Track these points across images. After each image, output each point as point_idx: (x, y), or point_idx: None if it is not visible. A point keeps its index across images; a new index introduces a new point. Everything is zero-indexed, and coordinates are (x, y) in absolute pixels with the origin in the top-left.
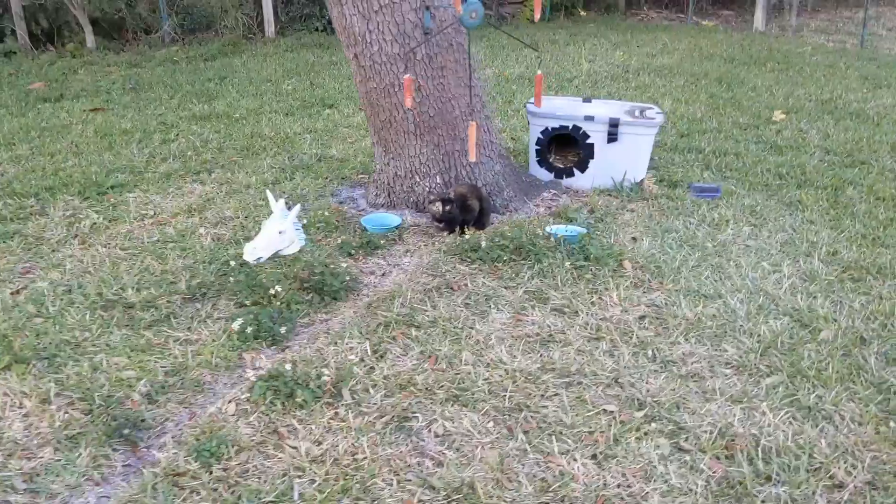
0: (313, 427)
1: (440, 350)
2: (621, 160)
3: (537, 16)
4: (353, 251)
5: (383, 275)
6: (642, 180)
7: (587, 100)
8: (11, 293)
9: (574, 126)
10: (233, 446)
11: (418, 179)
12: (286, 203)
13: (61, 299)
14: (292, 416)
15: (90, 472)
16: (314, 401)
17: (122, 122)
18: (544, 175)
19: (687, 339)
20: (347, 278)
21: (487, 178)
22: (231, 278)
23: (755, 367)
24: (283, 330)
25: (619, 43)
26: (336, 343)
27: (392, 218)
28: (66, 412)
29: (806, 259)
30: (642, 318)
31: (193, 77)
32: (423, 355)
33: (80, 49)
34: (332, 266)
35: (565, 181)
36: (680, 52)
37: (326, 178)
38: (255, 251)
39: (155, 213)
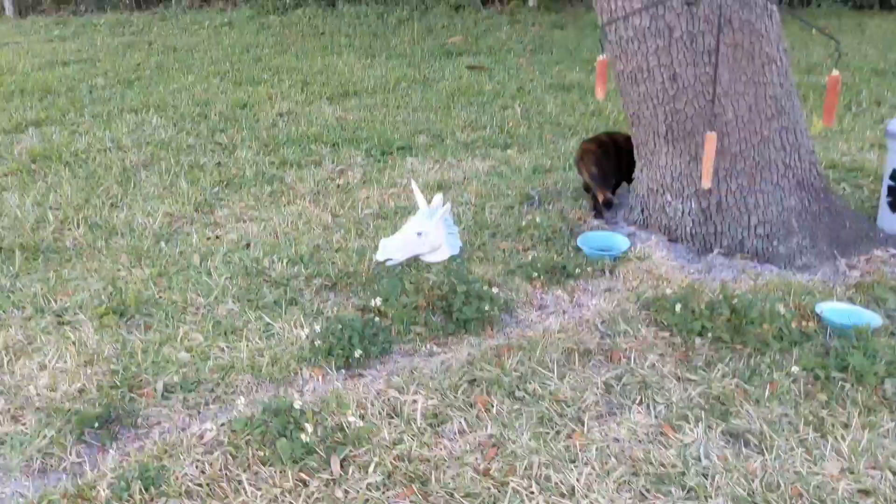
0: (261, 494)
1: (514, 442)
2: None
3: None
4: (536, 274)
5: (552, 313)
6: None
7: None
8: (206, 238)
9: None
10: (153, 488)
11: (669, 198)
12: (444, 200)
13: (223, 256)
14: (253, 470)
15: (36, 455)
16: (291, 461)
17: (485, 84)
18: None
19: None
20: (487, 308)
21: (769, 215)
22: (363, 276)
23: None
24: (357, 354)
25: None
26: (402, 390)
27: (620, 241)
28: (84, 382)
29: None
30: (865, 493)
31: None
32: (490, 441)
33: (520, 7)
34: (485, 288)
35: None
36: None
37: None
38: (385, 251)
39: (404, 184)
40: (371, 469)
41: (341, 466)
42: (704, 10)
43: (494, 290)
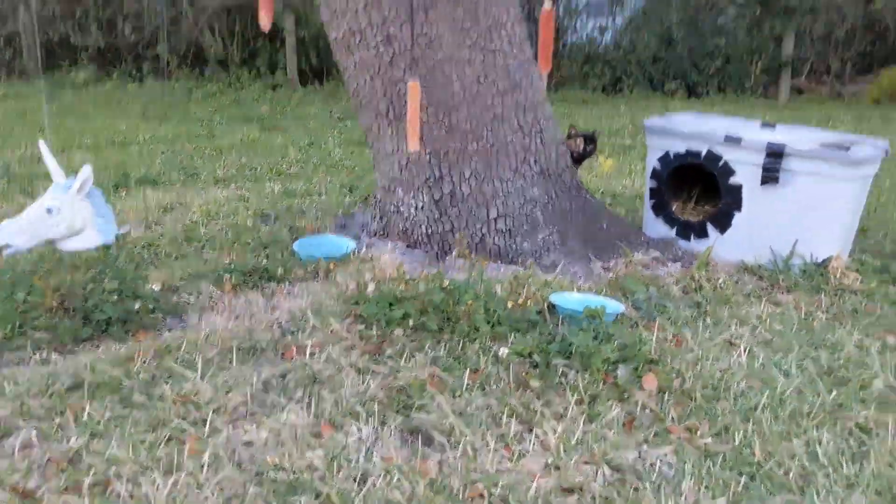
0: None
1: (99, 453)
2: (788, 218)
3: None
4: (230, 276)
5: (237, 316)
6: (828, 259)
7: (768, 125)
8: None
9: (709, 153)
10: None
11: (401, 194)
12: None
13: None
14: None
15: None
16: None
17: (276, 139)
18: (661, 230)
19: None
20: (138, 307)
21: (510, 207)
22: None
23: None
24: None
25: None
26: None
27: (345, 244)
28: None
29: None
30: (569, 491)
31: None
32: (64, 455)
33: (339, 85)
34: (148, 286)
35: (694, 243)
36: None
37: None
38: (2, 235)
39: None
40: None
41: None
42: None
43: (155, 287)
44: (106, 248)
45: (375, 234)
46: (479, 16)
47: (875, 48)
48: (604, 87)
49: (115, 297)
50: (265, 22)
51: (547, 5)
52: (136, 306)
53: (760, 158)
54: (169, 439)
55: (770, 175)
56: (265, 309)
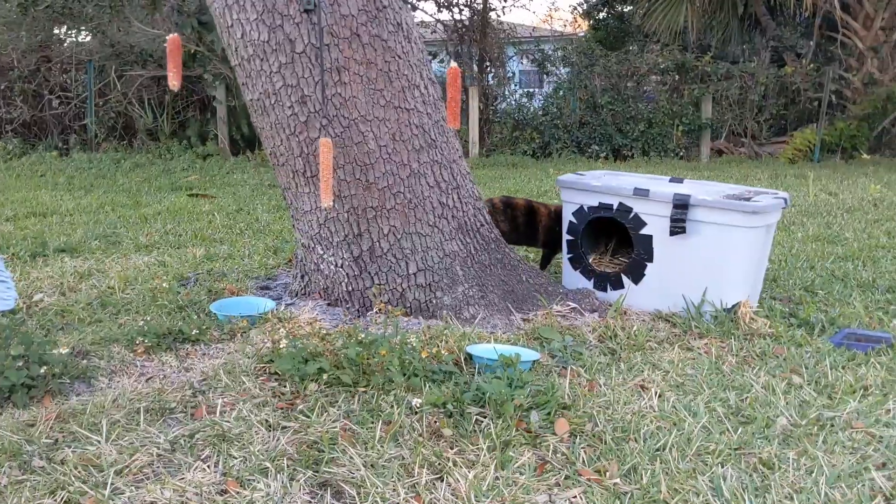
0: None
1: None
2: (697, 267)
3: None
4: (143, 339)
5: (148, 380)
6: (737, 305)
7: (676, 180)
8: None
9: (620, 206)
10: None
11: (321, 251)
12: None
13: None
14: None
15: None
16: None
17: (203, 207)
18: (579, 282)
19: None
20: (43, 372)
21: (430, 261)
22: None
23: None
24: None
25: (892, 182)
26: None
27: (264, 304)
28: None
29: None
30: None
31: None
32: None
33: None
34: (55, 351)
35: (611, 294)
36: None
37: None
38: None
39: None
40: None
41: None
42: (325, 19)
43: (63, 352)
44: (12, 313)
45: (297, 294)
46: (391, 78)
47: (788, 111)
48: (533, 152)
49: (21, 362)
50: (174, 83)
51: (453, 64)
52: (42, 371)
53: (668, 210)
54: (67, 503)
55: (677, 226)
56: (178, 370)
